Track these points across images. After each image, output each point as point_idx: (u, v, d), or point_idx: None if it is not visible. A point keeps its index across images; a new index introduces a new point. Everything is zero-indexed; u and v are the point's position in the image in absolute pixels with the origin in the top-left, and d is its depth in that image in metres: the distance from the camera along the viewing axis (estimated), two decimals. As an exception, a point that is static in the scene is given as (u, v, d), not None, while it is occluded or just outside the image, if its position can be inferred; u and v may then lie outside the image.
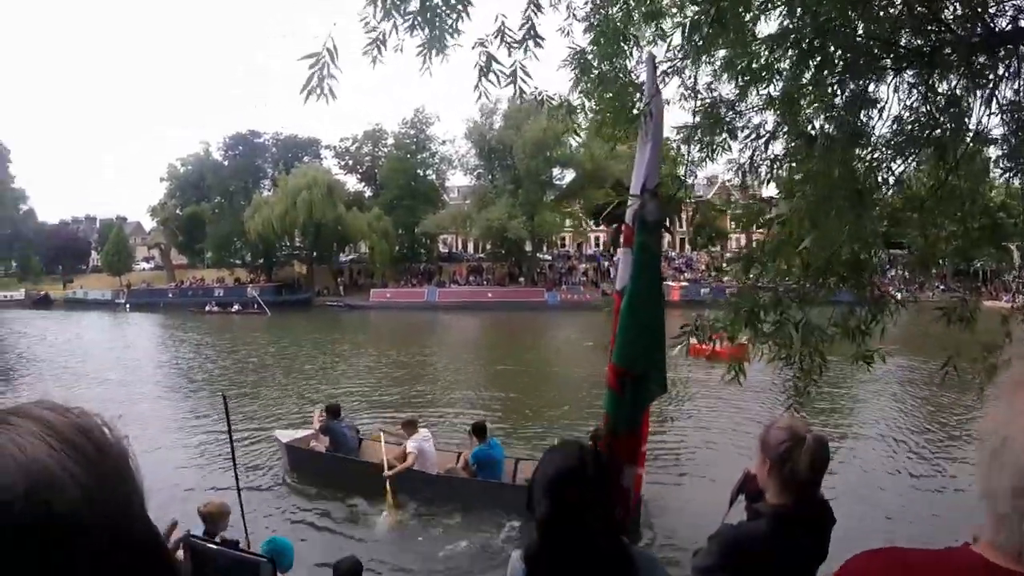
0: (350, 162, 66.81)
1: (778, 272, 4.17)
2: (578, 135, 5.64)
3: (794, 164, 4.17)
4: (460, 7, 3.47)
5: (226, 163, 67.39)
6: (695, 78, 4.54)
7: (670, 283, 44.28)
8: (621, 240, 4.01)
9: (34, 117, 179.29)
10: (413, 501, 8.99)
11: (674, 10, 4.64)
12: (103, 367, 23.24)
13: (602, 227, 61.10)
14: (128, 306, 56.97)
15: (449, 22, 3.49)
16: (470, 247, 65.71)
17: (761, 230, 4.54)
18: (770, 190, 5.00)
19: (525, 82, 3.74)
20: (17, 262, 79.61)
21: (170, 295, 59.67)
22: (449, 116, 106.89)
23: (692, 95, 4.61)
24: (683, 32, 4.15)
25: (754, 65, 4.21)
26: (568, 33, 4.56)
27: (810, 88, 4.10)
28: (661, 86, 5.06)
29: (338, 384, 19.33)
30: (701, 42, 4.04)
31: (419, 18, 3.43)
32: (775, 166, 4.29)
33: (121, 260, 69.03)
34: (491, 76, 3.66)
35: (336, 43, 3.12)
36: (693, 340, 4.04)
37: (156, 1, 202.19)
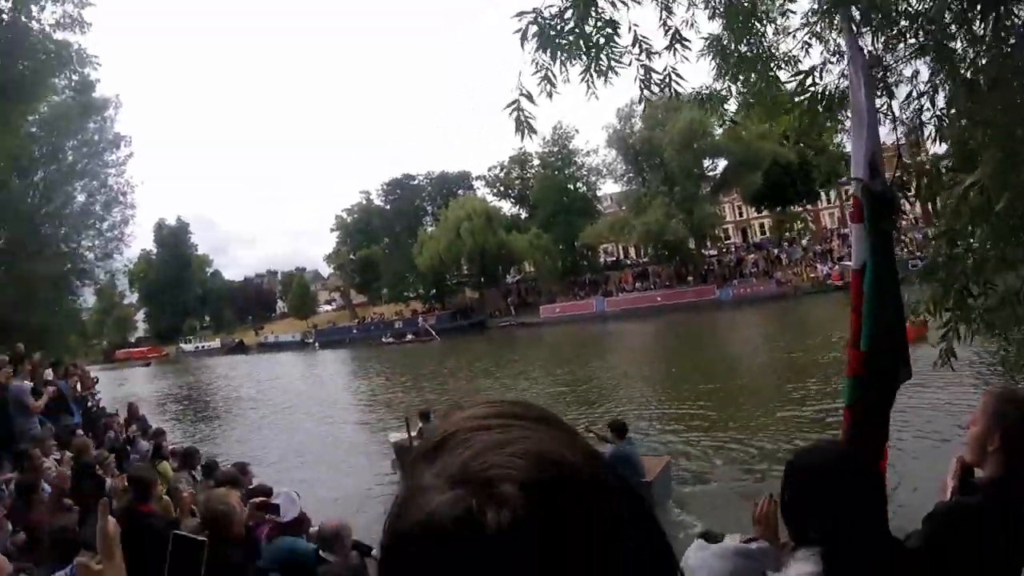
0: (502, 188, 68.71)
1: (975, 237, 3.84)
2: (735, 123, 5.52)
3: (961, 119, 3.83)
4: (609, 30, 3.65)
5: (387, 207, 72.61)
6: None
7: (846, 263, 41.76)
8: (850, 215, 3.81)
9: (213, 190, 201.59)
10: None
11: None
12: (306, 402, 25.95)
13: (765, 212, 58.38)
14: (317, 344, 62.65)
15: (602, 45, 3.67)
16: (631, 252, 65.05)
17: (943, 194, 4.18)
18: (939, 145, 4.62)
19: (679, 84, 3.91)
20: (210, 317, 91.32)
21: (354, 331, 64.67)
22: (585, 124, 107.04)
23: (838, 58, 4.38)
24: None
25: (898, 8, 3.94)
26: (692, 24, 4.49)
27: (955, 26, 3.77)
28: (801, 55, 4.84)
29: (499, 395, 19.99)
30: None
31: (575, 48, 3.62)
32: (943, 121, 3.97)
33: (305, 305, 77.84)
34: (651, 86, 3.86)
35: (525, 88, 3.52)
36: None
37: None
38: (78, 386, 11.24)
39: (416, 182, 72.99)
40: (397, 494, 0.58)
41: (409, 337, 54.65)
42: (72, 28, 16.25)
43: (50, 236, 22.93)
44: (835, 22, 4.09)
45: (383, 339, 56.19)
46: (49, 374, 10.27)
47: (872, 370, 3.32)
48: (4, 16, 15.21)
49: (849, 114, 3.68)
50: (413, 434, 13.16)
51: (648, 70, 3.80)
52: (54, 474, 6.55)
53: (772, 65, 4.57)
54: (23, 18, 15.40)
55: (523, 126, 3.56)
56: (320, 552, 5.01)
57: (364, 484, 12.90)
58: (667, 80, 3.83)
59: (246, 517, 4.39)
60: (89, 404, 12.03)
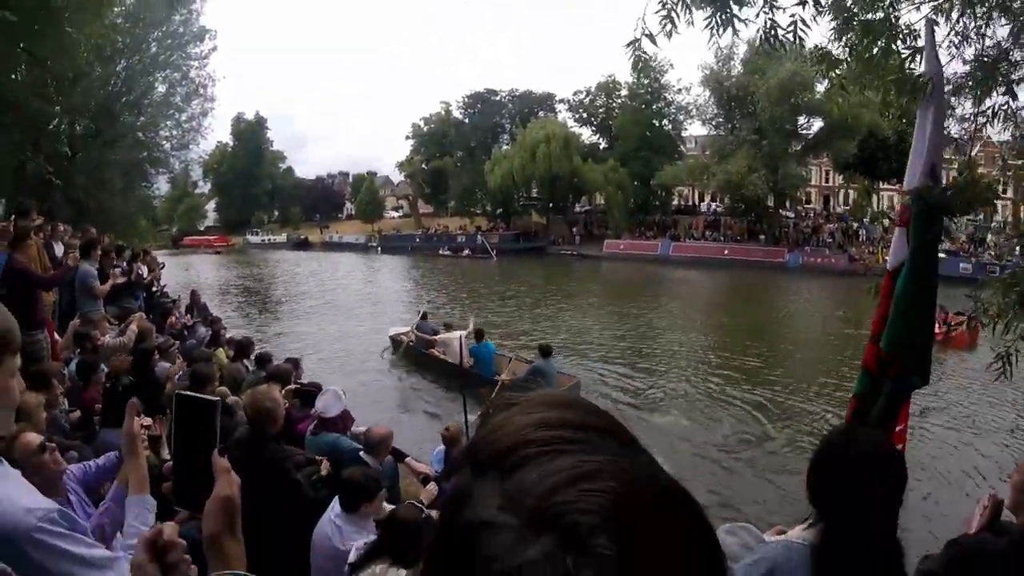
0: (584, 114, 67.07)
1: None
2: (845, 90, 5.27)
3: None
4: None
5: (466, 120, 72.46)
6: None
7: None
8: (897, 218, 3.74)
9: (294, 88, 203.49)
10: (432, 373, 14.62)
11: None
12: (368, 303, 27.33)
13: (852, 183, 55.77)
14: (379, 249, 64.95)
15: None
16: (707, 200, 63.36)
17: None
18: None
19: (805, 34, 3.86)
20: (279, 212, 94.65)
21: (417, 240, 66.16)
22: (682, 60, 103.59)
23: (962, 42, 4.12)
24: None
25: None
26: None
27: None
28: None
29: (551, 324, 20.98)
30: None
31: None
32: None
33: (373, 209, 79.80)
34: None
35: (647, 27, 3.64)
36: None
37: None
38: (144, 271, 11.68)
39: (498, 98, 72.03)
40: (446, 499, 0.53)
41: (466, 252, 56.06)
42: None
43: (128, 124, 23.78)
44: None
45: (441, 251, 57.87)
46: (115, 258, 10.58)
47: (884, 370, 3.33)
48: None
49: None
50: (409, 328, 16.41)
51: (774, 24, 3.80)
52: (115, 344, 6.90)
53: (892, 35, 4.34)
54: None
55: (640, 64, 3.74)
56: (362, 453, 5.33)
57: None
58: (793, 30, 3.77)
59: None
60: (153, 289, 12.55)
